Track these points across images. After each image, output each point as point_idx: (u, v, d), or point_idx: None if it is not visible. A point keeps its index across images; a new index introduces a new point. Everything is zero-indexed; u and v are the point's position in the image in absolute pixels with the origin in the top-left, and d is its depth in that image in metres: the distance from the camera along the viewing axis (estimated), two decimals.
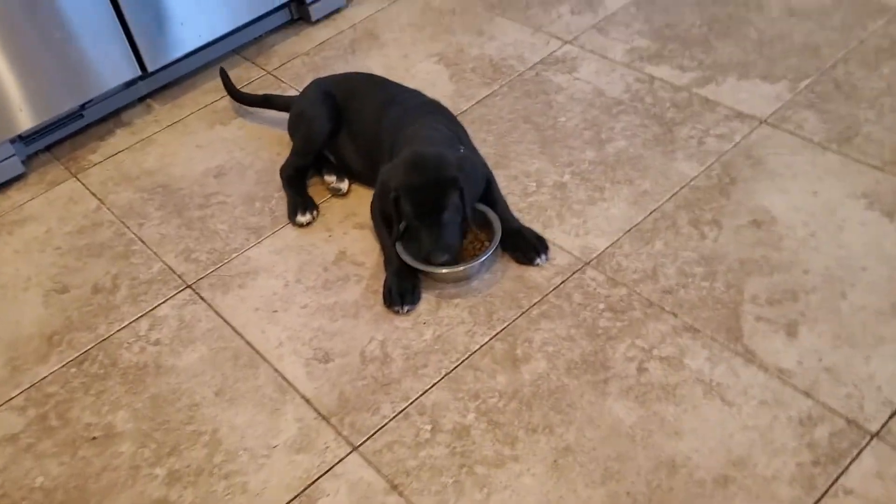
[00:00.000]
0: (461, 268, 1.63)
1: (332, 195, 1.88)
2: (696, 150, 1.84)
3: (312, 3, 2.37)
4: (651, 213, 1.72)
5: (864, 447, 1.31)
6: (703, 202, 1.73)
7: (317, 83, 1.95)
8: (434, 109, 1.81)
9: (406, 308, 1.61)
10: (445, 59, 2.21)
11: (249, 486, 1.39)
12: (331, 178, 1.88)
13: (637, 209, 1.74)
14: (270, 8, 2.31)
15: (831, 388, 1.39)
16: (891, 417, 1.34)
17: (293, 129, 1.93)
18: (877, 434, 1.32)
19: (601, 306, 1.57)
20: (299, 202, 1.83)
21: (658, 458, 1.34)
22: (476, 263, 1.63)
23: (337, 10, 2.45)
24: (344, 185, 1.87)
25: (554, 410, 1.42)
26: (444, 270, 1.62)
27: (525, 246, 1.66)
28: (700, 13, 2.21)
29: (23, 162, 2.08)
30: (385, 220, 1.67)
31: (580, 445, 1.37)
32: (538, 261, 1.65)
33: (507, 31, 2.27)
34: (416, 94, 1.86)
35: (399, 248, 1.65)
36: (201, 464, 1.43)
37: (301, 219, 1.81)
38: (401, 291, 1.62)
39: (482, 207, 1.70)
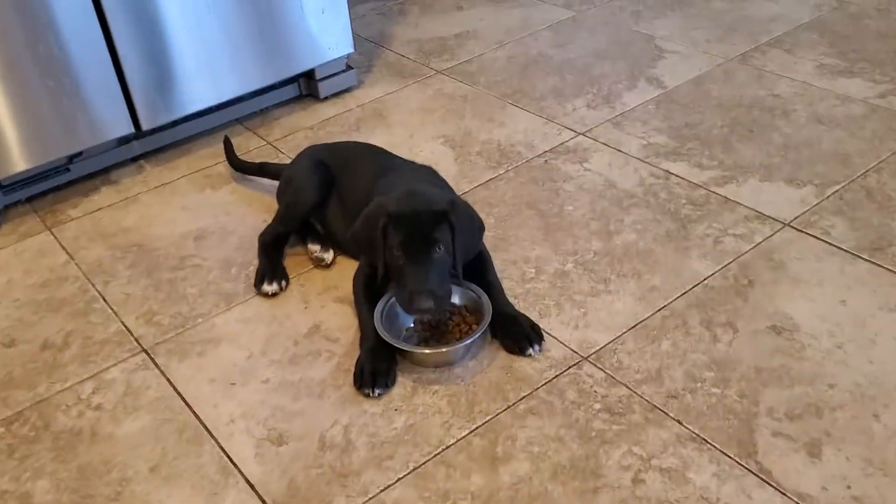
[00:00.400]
0: (444, 349, 1.46)
1: (315, 265, 1.74)
2: (712, 249, 1.69)
3: (322, 79, 2.30)
4: (659, 311, 1.56)
5: None
6: (717, 303, 1.56)
7: (310, 150, 1.85)
8: (430, 175, 1.69)
9: (378, 391, 1.43)
10: (452, 142, 2.11)
11: None
12: (315, 248, 1.74)
13: (644, 305, 1.58)
14: (279, 79, 2.24)
15: None
16: None
17: (280, 194, 1.81)
18: None
19: (597, 406, 1.39)
20: (268, 270, 1.69)
21: None
22: (461, 346, 1.47)
23: (347, 90, 2.38)
24: (328, 256, 1.73)
25: None
26: (426, 351, 1.46)
27: (518, 333, 1.50)
28: (722, 115, 2.11)
29: None
30: (368, 255, 1.53)
31: None
32: (530, 351, 1.48)
33: (519, 120, 2.18)
34: (412, 164, 1.75)
35: (378, 324, 1.49)
36: None
37: (267, 288, 1.67)
38: (374, 372, 1.45)
39: (473, 288, 1.55)
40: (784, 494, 1.22)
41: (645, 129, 2.09)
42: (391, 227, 1.44)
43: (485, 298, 1.53)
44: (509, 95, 2.29)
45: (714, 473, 1.26)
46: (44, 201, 2.04)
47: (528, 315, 1.54)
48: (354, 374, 1.47)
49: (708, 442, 1.31)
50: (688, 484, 1.25)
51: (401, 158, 1.80)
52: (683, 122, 2.09)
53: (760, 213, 1.77)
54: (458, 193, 1.90)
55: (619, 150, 2.02)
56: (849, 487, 1.23)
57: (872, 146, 1.94)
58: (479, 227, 1.57)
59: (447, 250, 1.45)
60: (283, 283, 1.68)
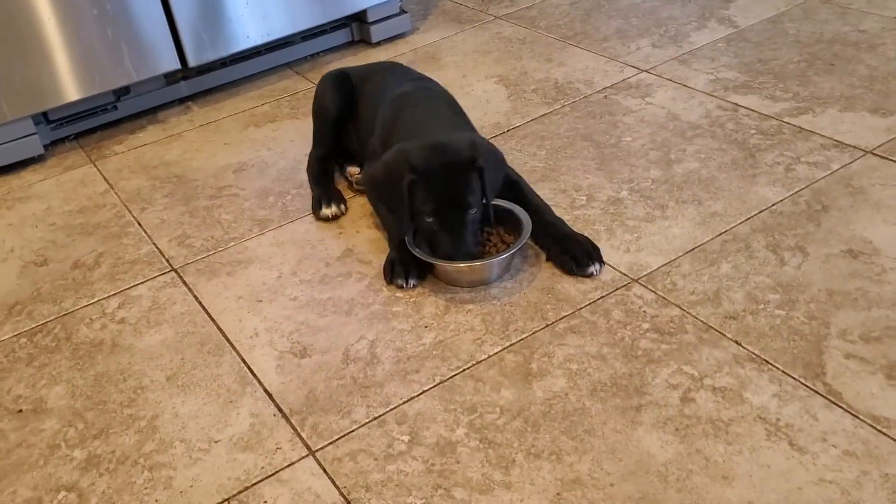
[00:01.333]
0: (478, 263, 1.35)
1: (355, 193, 1.66)
2: (783, 176, 1.54)
3: (374, 23, 2.23)
4: (720, 235, 1.42)
5: None
6: (785, 227, 1.41)
7: (335, 70, 1.77)
8: (443, 97, 1.58)
9: (411, 282, 1.35)
10: (506, 81, 2.01)
11: (175, 481, 1.11)
12: (354, 170, 1.66)
13: (703, 229, 1.44)
14: (329, 20, 2.18)
15: None
16: None
17: (313, 116, 1.74)
18: None
19: (645, 326, 1.26)
20: (323, 195, 1.62)
21: None
22: (496, 260, 1.36)
23: (400, 35, 2.30)
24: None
25: (566, 435, 1.10)
26: (460, 265, 1.35)
27: (578, 252, 1.37)
28: (799, 51, 1.95)
29: (46, 146, 1.96)
30: (389, 205, 1.41)
31: (594, 479, 1.04)
32: (592, 269, 1.36)
33: (579, 59, 2.06)
34: (428, 82, 1.65)
35: (408, 239, 1.39)
36: (127, 451, 1.17)
37: (325, 211, 1.59)
38: (405, 265, 1.36)
39: (508, 205, 1.44)
40: (856, 416, 1.07)
41: (713, 65, 1.94)
42: (419, 186, 1.32)
43: (522, 213, 1.41)
44: (570, 38, 2.17)
45: (774, 394, 1.12)
46: (90, 138, 2.02)
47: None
48: (384, 269, 1.40)
49: (769, 363, 1.17)
50: (743, 403, 1.11)
51: (419, 75, 1.69)
52: (756, 58, 1.94)
53: (839, 141, 1.61)
54: (509, 128, 1.80)
55: (684, 85, 1.88)
56: None
57: None
58: (501, 160, 1.44)
59: (478, 204, 1.34)
60: (342, 206, 1.60)
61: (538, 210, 1.44)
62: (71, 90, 1.90)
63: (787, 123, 1.69)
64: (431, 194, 1.32)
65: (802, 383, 1.13)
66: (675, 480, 1.03)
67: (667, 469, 1.04)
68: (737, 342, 1.21)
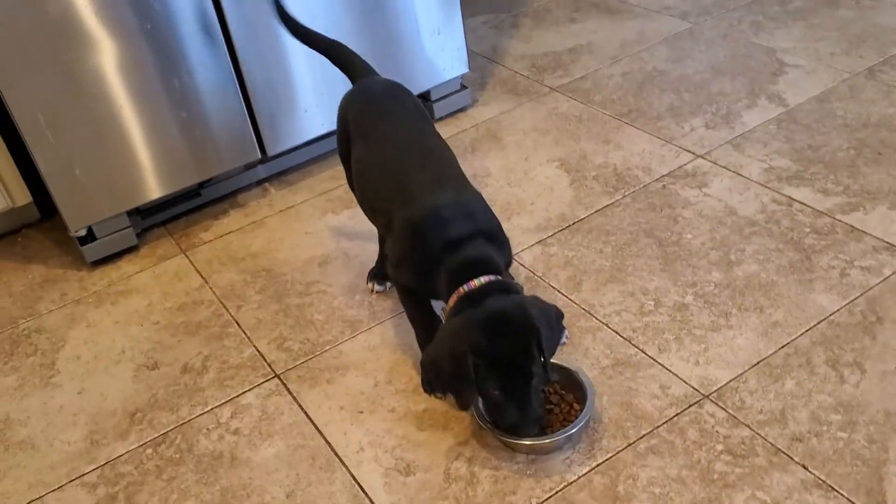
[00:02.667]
0: (546, 440, 1.41)
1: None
2: (838, 282, 1.65)
3: (437, 100, 2.35)
4: (783, 348, 1.54)
5: None
6: (843, 341, 1.53)
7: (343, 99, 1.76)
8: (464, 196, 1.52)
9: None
10: (567, 165, 2.12)
11: None
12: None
13: (767, 341, 1.56)
14: None
15: None
16: None
17: None
18: None
19: (719, 447, 1.39)
20: (376, 266, 1.83)
21: None
22: (563, 437, 1.41)
23: (461, 109, 2.42)
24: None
25: None
26: (527, 442, 1.41)
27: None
28: (848, 136, 2.05)
29: (137, 235, 2.10)
30: (449, 385, 1.40)
31: None
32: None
33: (635, 141, 2.17)
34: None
35: (478, 409, 1.46)
36: None
37: (369, 285, 1.82)
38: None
39: (565, 364, 1.51)
40: None
41: (766, 151, 2.05)
42: (483, 367, 1.33)
43: (581, 373, 1.49)
44: (625, 115, 2.28)
45: None
46: (177, 224, 2.17)
47: (646, 350, 1.56)
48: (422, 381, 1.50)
49: (834, 489, 1.30)
50: None
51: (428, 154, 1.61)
52: (806, 144, 2.04)
53: (890, 243, 1.72)
54: (574, 220, 1.92)
55: (739, 174, 1.99)
56: None
57: None
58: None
59: (540, 370, 1.36)
60: (386, 284, 1.79)
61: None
62: (163, 186, 2.04)
63: (840, 221, 1.80)
64: (496, 371, 1.34)
65: None
66: None
67: None
68: (804, 466, 1.34)
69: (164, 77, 1.93)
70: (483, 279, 1.39)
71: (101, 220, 2.00)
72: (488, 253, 1.44)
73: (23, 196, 2.12)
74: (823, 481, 1.31)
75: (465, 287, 1.39)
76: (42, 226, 2.25)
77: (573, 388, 1.50)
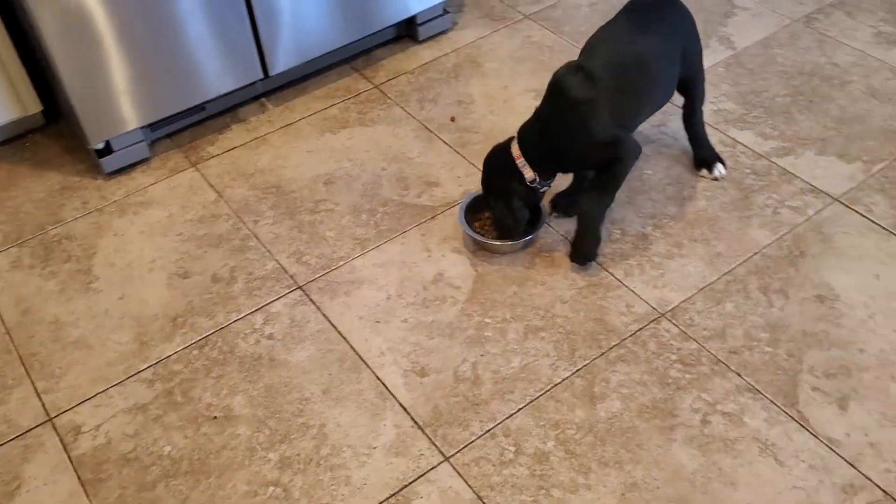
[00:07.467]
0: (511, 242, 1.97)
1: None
2: (771, 220, 2.00)
3: (422, 24, 2.53)
4: (724, 275, 1.89)
5: None
6: (772, 271, 1.89)
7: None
8: None
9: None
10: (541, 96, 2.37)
11: (352, 479, 1.59)
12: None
13: (711, 269, 1.91)
14: (386, 25, 2.47)
15: (874, 461, 1.56)
16: None
17: None
18: None
19: (673, 357, 1.75)
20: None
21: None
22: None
23: (442, 32, 2.61)
24: None
25: (625, 448, 1.61)
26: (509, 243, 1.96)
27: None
28: (785, 83, 2.36)
29: (148, 146, 2.26)
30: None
31: (646, 483, 1.55)
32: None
33: None
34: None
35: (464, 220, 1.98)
36: (310, 454, 1.63)
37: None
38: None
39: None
40: (817, 438, 1.60)
41: (716, 93, 2.34)
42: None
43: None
44: None
45: (765, 419, 1.64)
46: (183, 137, 2.33)
47: (615, 274, 1.88)
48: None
49: (760, 392, 1.68)
50: (744, 426, 1.63)
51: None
52: (750, 89, 2.35)
53: (814, 186, 2.07)
54: None
55: None
56: (866, 435, 1.60)
57: None
58: None
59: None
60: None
61: None
62: (177, 102, 2.20)
63: (775, 164, 2.13)
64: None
65: (783, 410, 1.65)
66: (699, 486, 1.55)
67: (694, 476, 1.56)
68: (738, 374, 1.71)
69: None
70: None
71: (119, 135, 2.16)
72: None
73: (34, 104, 2.24)
74: (752, 386, 1.69)
75: None
76: (48, 131, 2.38)
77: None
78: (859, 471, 1.55)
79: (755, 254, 1.93)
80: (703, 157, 2.09)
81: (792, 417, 1.64)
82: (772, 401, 1.67)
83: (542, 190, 1.91)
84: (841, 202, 2.03)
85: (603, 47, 1.87)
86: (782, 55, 2.46)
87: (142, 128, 2.22)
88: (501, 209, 1.90)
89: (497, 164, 1.90)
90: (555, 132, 1.82)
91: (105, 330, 1.87)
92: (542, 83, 2.41)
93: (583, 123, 1.80)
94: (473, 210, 2.01)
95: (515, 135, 1.90)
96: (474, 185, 2.12)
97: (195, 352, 1.82)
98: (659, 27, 1.90)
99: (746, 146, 2.19)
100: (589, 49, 1.91)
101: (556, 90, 1.84)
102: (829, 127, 2.22)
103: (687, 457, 1.59)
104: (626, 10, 1.96)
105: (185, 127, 2.35)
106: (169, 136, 2.34)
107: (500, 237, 1.95)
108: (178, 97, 2.20)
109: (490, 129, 2.27)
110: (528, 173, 1.86)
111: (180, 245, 2.04)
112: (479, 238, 1.95)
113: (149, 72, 2.11)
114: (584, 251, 1.91)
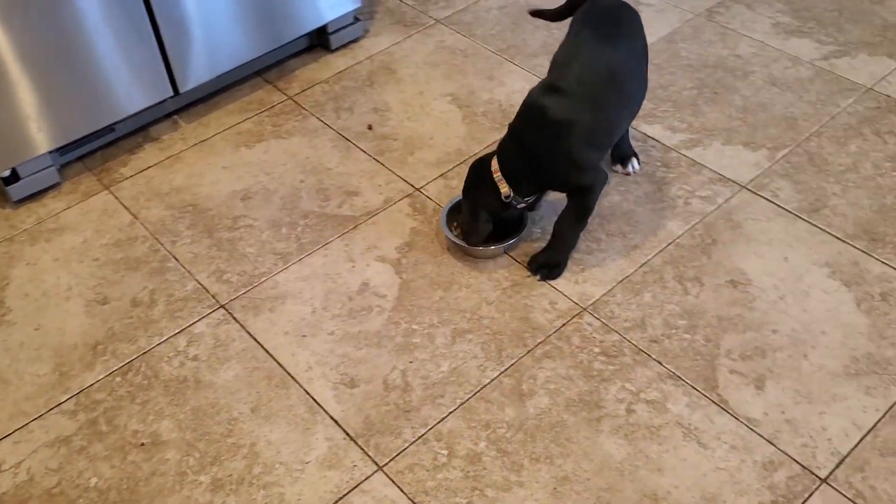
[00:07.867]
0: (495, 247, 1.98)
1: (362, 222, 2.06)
2: (683, 210, 2.06)
3: (334, 32, 2.53)
4: (641, 267, 1.94)
5: (815, 490, 1.56)
6: (686, 260, 1.95)
7: None
8: None
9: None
10: (458, 100, 2.39)
11: (286, 496, 1.58)
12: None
13: (629, 262, 1.95)
14: (298, 35, 2.46)
15: (790, 437, 1.63)
16: (837, 466, 1.59)
17: None
18: (825, 480, 1.57)
19: (596, 350, 1.79)
20: None
21: (643, 491, 1.56)
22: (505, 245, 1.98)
23: (355, 40, 2.61)
24: None
25: (554, 443, 1.63)
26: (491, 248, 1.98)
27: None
28: (691, 76, 2.43)
29: (57, 171, 2.21)
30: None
31: (576, 476, 1.59)
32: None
33: (515, 79, 2.46)
34: None
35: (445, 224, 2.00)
36: (241, 474, 1.61)
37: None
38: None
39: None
40: (737, 419, 1.66)
41: None
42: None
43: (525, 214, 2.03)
44: (504, 51, 2.56)
45: (686, 404, 1.69)
46: (94, 159, 2.28)
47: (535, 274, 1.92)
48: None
49: (682, 378, 1.73)
50: (667, 413, 1.67)
51: None
52: (658, 84, 2.41)
53: (722, 175, 2.14)
54: (469, 155, 2.22)
55: None
56: (783, 412, 1.67)
57: (815, 110, 2.30)
58: None
59: None
60: None
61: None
62: (86, 124, 2.15)
63: (684, 156, 2.20)
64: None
65: (704, 395, 1.70)
66: (628, 474, 1.59)
67: (622, 465, 1.60)
68: (659, 362, 1.76)
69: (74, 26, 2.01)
70: None
71: (25, 161, 2.10)
72: None
73: None
74: (673, 373, 1.74)
75: None
76: None
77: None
78: (778, 447, 1.61)
79: (669, 244, 1.99)
80: (621, 153, 2.14)
81: (712, 401, 1.69)
82: (692, 386, 1.72)
83: (518, 206, 1.91)
84: (748, 189, 2.10)
85: (574, 63, 1.83)
86: (687, 49, 2.53)
87: (50, 152, 2.16)
88: (467, 218, 1.92)
89: (476, 175, 1.90)
90: (532, 153, 1.82)
91: (21, 363, 1.82)
92: (458, 87, 2.44)
93: (562, 144, 1.79)
94: (457, 211, 2.02)
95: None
96: (395, 192, 2.13)
97: (118, 379, 1.78)
98: (621, 36, 1.90)
99: (657, 140, 2.25)
100: (559, 65, 1.87)
101: (533, 111, 1.82)
102: (734, 117, 2.30)
103: (614, 446, 1.63)
104: (584, 21, 1.93)
105: (95, 149, 2.30)
106: (79, 159, 2.28)
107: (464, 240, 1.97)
108: (86, 119, 2.15)
109: (408, 136, 2.29)
110: (504, 188, 1.86)
111: (97, 270, 2.00)
112: (460, 243, 1.96)
113: (53, 94, 2.06)
114: (541, 261, 1.93)
